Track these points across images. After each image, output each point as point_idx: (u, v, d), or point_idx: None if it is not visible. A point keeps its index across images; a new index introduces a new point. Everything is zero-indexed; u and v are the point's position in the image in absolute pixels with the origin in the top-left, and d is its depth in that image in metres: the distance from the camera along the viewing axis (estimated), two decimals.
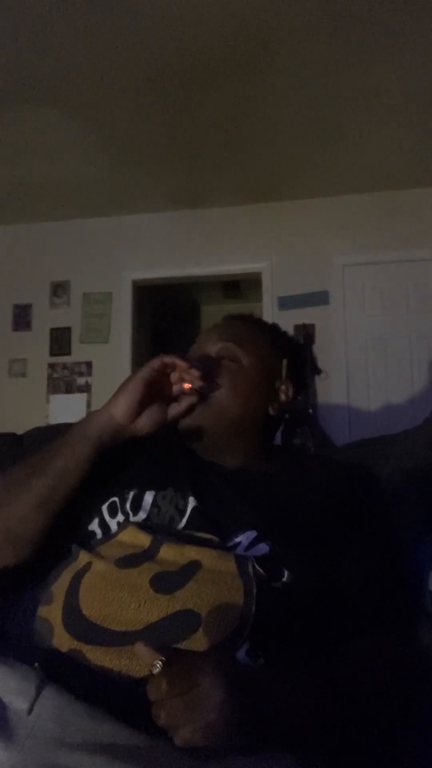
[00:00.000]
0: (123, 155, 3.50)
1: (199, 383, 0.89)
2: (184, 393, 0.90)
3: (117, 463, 0.95)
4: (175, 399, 0.91)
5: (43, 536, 0.87)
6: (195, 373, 0.89)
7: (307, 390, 3.45)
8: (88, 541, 0.87)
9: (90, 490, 0.91)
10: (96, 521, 0.89)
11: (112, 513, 0.89)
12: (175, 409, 0.90)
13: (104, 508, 0.90)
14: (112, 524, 0.88)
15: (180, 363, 0.89)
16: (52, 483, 0.86)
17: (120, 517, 0.88)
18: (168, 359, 0.89)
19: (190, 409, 0.91)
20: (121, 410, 0.88)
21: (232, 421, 0.94)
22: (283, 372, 1.00)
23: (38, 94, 2.91)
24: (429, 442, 1.30)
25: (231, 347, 0.97)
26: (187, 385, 0.90)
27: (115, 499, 0.90)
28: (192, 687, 0.58)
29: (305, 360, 1.11)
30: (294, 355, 1.05)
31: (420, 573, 1.01)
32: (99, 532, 0.88)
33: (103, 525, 0.88)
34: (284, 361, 1.01)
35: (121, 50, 2.61)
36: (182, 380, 0.90)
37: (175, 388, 0.90)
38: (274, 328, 1.08)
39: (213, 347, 0.98)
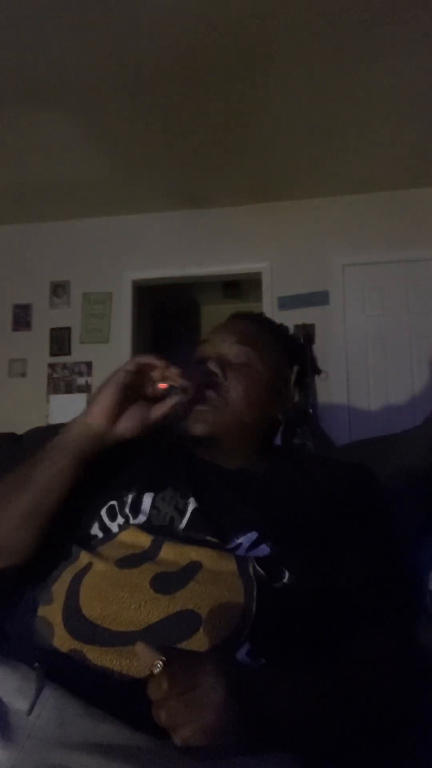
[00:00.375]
0: (123, 155, 3.50)
1: (179, 381, 0.86)
2: (166, 392, 0.87)
3: (115, 465, 0.95)
4: (163, 397, 0.88)
5: (33, 547, 0.86)
6: (173, 371, 0.86)
7: (308, 390, 3.45)
8: (88, 542, 0.87)
9: (88, 494, 0.91)
10: (96, 525, 0.89)
11: (112, 517, 0.89)
12: (159, 410, 0.87)
13: (103, 512, 0.89)
14: (113, 527, 0.88)
15: (156, 363, 0.86)
16: (37, 497, 0.85)
17: (120, 520, 0.87)
18: (143, 360, 0.87)
19: (190, 411, 0.90)
20: (96, 418, 0.85)
21: (243, 427, 0.94)
22: (292, 378, 1.01)
23: (38, 94, 2.91)
24: (429, 442, 1.30)
25: (248, 352, 0.96)
26: (162, 385, 0.87)
27: (114, 503, 0.89)
28: (192, 687, 0.58)
29: (306, 362, 1.12)
30: (302, 361, 1.06)
31: (420, 573, 1.01)
32: (100, 535, 0.88)
33: (104, 529, 0.88)
34: (295, 368, 1.01)
35: (121, 50, 2.61)
36: (163, 379, 0.87)
37: (152, 389, 0.88)
38: (284, 332, 1.08)
39: (229, 350, 0.96)
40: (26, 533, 0.85)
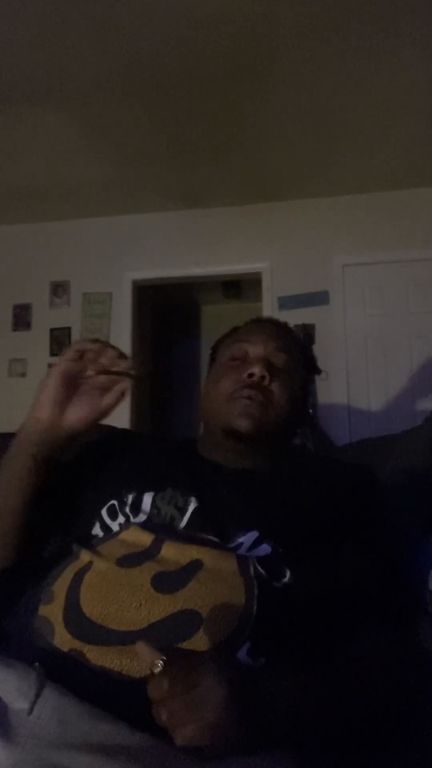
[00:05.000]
0: (123, 155, 3.50)
1: (120, 363, 0.81)
2: (113, 378, 0.82)
3: (115, 464, 0.95)
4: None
5: (10, 548, 0.86)
6: (112, 353, 0.82)
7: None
8: (88, 541, 0.87)
9: (87, 494, 0.92)
10: (98, 525, 0.89)
11: (112, 516, 0.89)
12: (109, 398, 0.83)
13: (104, 511, 0.89)
14: (114, 527, 0.88)
15: (91, 346, 0.82)
16: (1, 498, 0.85)
17: (121, 519, 0.87)
18: (81, 346, 0.82)
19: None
20: (42, 410, 0.82)
21: (278, 432, 0.96)
22: (309, 394, 1.04)
23: (38, 94, 2.91)
24: (429, 442, 1.30)
25: (288, 361, 0.99)
26: (91, 373, 0.82)
27: (114, 502, 0.89)
28: (193, 686, 0.58)
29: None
30: (314, 372, 1.10)
31: (420, 573, 1.01)
32: (101, 535, 0.88)
33: (105, 528, 0.88)
34: (314, 386, 1.06)
35: (121, 50, 2.61)
36: (110, 365, 0.82)
37: (89, 374, 0.82)
38: (306, 344, 1.11)
39: (273, 355, 0.98)
40: None
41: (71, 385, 0.83)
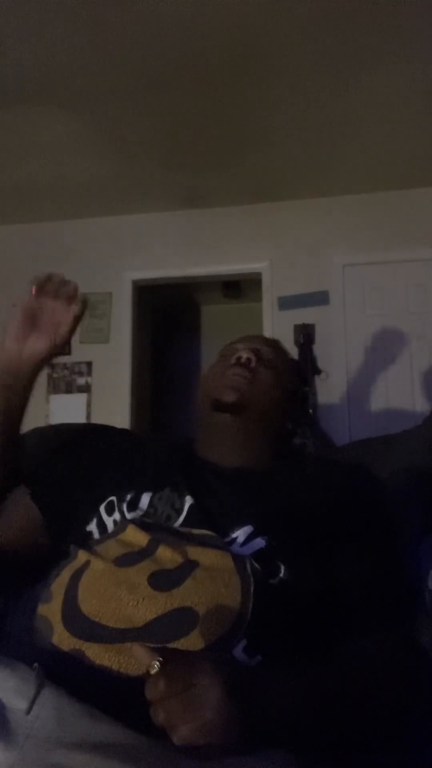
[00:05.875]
0: (123, 155, 3.50)
1: (73, 293, 0.94)
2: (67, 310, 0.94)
3: (114, 462, 0.95)
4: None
5: None
6: (73, 284, 0.95)
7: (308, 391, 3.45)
8: (86, 541, 0.87)
9: (83, 490, 0.92)
10: (94, 522, 0.89)
11: (109, 512, 0.89)
12: (63, 326, 0.95)
13: (102, 508, 0.90)
14: (109, 522, 0.88)
15: (53, 276, 0.96)
16: None
17: (117, 516, 0.88)
18: (41, 277, 0.96)
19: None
20: (6, 340, 0.94)
21: (263, 416, 0.98)
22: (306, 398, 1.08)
23: (38, 94, 2.91)
24: (429, 442, 1.30)
25: (275, 356, 1.05)
26: (32, 290, 0.96)
27: (113, 498, 0.90)
28: (189, 686, 0.58)
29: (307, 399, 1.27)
30: (304, 391, 1.16)
31: (420, 572, 1.01)
32: (96, 532, 0.88)
33: (101, 525, 0.88)
34: (314, 386, 1.10)
35: (121, 50, 2.61)
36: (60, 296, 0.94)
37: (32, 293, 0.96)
38: (295, 361, 1.17)
39: (261, 347, 1.04)
40: None
41: (32, 322, 0.95)
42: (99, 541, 0.86)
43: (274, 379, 1.01)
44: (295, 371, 1.12)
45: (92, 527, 0.89)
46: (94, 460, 0.99)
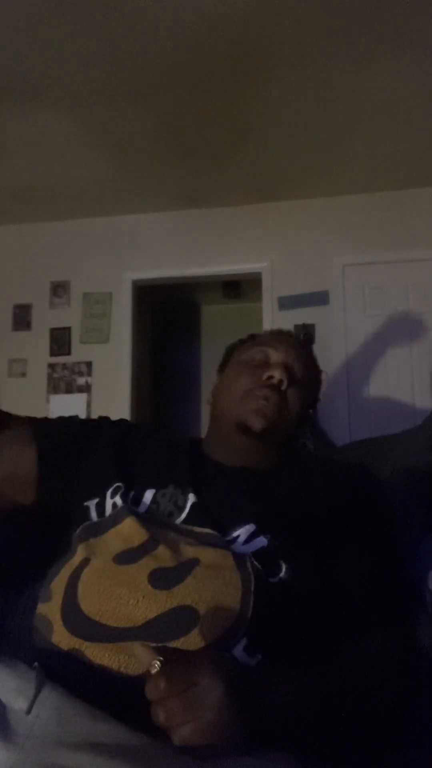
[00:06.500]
0: (123, 155, 3.50)
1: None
2: None
3: (120, 459, 0.95)
4: None
5: None
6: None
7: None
8: (81, 517, 0.87)
9: (95, 465, 0.92)
10: (95, 501, 0.89)
11: (113, 496, 0.89)
12: None
13: (109, 492, 0.89)
14: (108, 504, 0.87)
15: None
16: None
17: (118, 500, 0.87)
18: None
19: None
20: None
21: (286, 438, 0.99)
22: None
23: (38, 94, 2.90)
24: (429, 442, 1.30)
25: (306, 374, 1.02)
26: None
27: (120, 484, 0.89)
28: (190, 686, 0.58)
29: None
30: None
31: (420, 572, 1.01)
32: (94, 513, 0.88)
33: (100, 506, 0.88)
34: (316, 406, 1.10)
35: (121, 50, 2.61)
36: None
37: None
38: (320, 372, 1.14)
39: (295, 366, 1.01)
40: None
41: None
42: (95, 529, 0.85)
43: (302, 401, 0.99)
44: (318, 382, 1.09)
45: (91, 504, 0.88)
46: (106, 445, 0.97)
